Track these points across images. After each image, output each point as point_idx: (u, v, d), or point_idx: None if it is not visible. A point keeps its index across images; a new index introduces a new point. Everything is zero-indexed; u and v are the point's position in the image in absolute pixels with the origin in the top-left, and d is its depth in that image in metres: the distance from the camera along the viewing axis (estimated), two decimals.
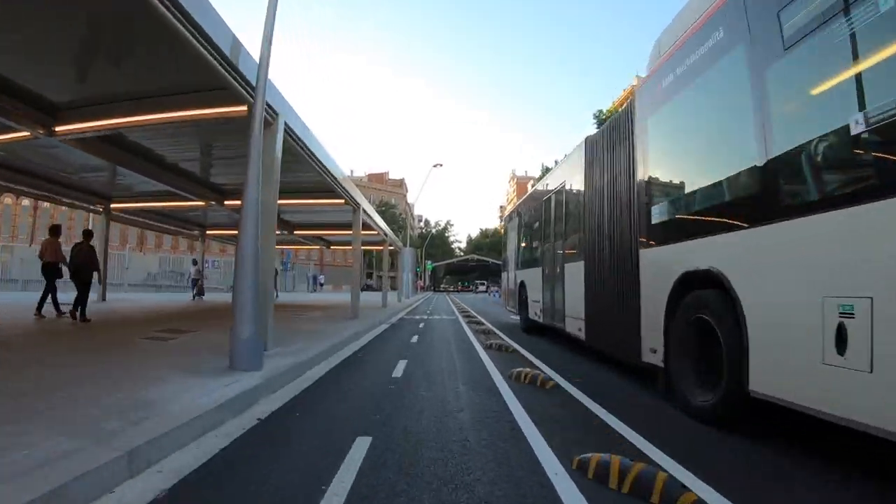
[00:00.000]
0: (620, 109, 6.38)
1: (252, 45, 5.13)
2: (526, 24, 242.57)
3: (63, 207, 21.18)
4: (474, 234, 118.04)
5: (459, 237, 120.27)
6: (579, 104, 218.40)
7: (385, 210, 67.66)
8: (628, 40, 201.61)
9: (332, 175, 9.91)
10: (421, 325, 12.10)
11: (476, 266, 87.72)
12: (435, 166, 31.22)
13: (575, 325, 6.82)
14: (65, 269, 9.01)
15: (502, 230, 14.94)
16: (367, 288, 64.18)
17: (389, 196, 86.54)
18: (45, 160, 9.71)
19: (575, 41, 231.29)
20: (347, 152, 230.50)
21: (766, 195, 3.06)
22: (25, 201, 34.61)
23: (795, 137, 2.84)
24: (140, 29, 4.81)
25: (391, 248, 23.92)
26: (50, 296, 9.29)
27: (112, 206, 14.19)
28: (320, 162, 8.77)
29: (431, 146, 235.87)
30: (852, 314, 2.35)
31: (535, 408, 3.92)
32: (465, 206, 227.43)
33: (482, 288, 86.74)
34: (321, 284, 40.17)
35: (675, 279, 4.05)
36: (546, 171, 48.22)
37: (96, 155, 8.66)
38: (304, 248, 32.56)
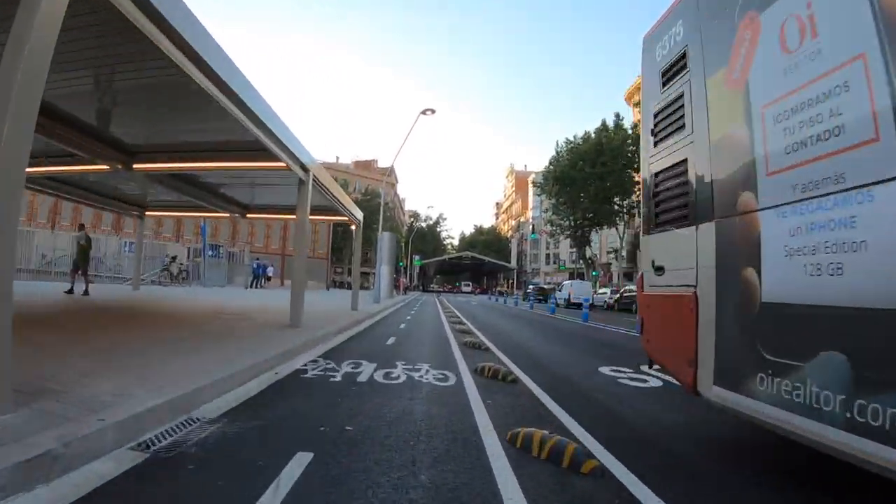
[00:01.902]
0: None
1: None
2: (522, 20, 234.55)
3: None
4: (468, 232, 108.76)
5: (452, 233, 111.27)
6: (577, 98, 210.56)
7: (370, 199, 57.64)
8: (627, 39, 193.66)
9: None
10: None
11: (470, 265, 78.24)
12: (424, 112, 21.50)
13: None
14: None
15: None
16: (340, 285, 54.19)
17: (377, 185, 77.35)
18: None
19: (574, 38, 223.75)
20: (338, 142, 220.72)
21: None
22: None
23: None
24: None
25: (342, 218, 14.15)
26: None
27: None
28: None
29: (425, 141, 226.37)
30: None
31: None
32: (459, 205, 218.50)
33: (467, 289, 78.92)
34: (269, 278, 30.16)
35: None
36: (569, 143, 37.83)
37: None
38: (214, 216, 22.89)
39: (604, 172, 34.30)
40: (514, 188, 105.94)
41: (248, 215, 15.06)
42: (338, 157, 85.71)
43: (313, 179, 8.68)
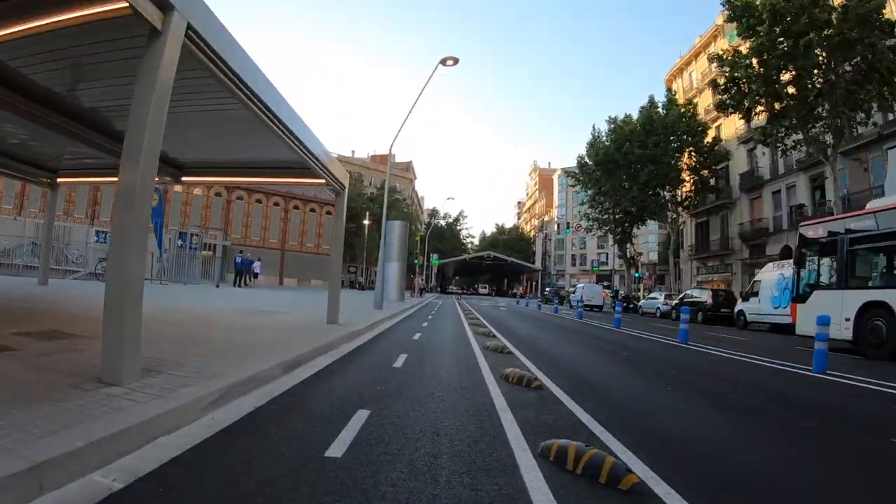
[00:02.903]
0: None
1: None
2: (544, 20, 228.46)
3: None
4: (489, 231, 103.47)
5: (473, 231, 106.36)
6: (602, 97, 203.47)
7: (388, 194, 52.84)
8: (641, 36, 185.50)
9: None
10: None
11: (491, 265, 73.01)
12: (444, 62, 16.59)
13: None
14: None
15: None
16: (352, 285, 49.50)
17: (394, 180, 72.62)
18: None
19: (592, 38, 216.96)
20: (354, 138, 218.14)
21: None
22: None
23: None
24: None
25: (317, 181, 9.14)
26: None
27: None
28: None
29: (445, 140, 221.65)
30: None
31: None
32: (480, 204, 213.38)
33: (484, 291, 75.03)
34: (255, 275, 25.57)
35: None
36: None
37: None
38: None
39: (656, 154, 28.71)
40: (537, 186, 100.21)
41: (185, 178, 10.23)
42: (353, 152, 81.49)
43: (188, 34, 3.74)
